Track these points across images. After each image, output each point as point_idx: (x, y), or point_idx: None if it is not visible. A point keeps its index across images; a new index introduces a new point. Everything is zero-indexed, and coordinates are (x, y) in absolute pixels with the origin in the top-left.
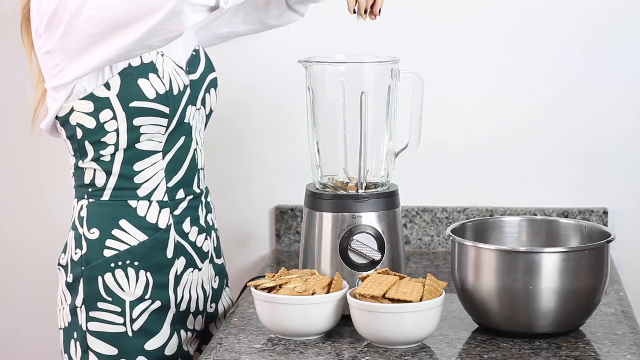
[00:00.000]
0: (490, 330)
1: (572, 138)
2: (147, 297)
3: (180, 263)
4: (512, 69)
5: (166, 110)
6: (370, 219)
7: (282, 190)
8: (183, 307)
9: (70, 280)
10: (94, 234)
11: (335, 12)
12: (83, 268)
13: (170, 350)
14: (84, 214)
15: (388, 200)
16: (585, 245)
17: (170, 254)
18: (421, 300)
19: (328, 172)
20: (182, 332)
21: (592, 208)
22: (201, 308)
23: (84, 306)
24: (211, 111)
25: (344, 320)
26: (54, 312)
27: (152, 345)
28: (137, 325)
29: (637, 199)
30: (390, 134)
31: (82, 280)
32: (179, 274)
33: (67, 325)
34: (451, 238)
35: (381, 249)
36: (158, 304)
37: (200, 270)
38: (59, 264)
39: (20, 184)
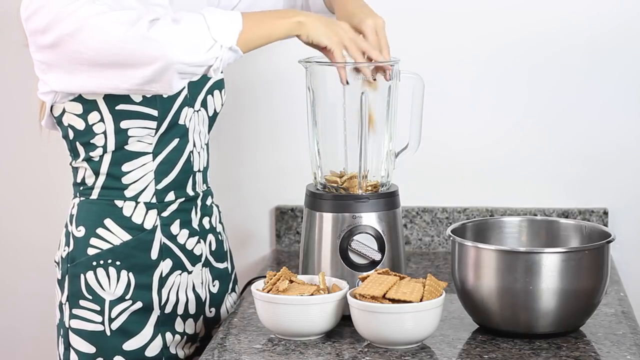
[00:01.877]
0: (490, 331)
1: (573, 138)
2: (128, 297)
3: (166, 265)
4: (512, 70)
5: (154, 112)
6: (370, 219)
7: (282, 191)
8: (169, 309)
9: (59, 277)
10: (80, 232)
11: None
12: (68, 265)
13: (151, 352)
14: (74, 211)
15: (388, 200)
16: (585, 246)
17: (154, 255)
18: (421, 301)
19: (328, 173)
20: (168, 334)
21: (592, 208)
22: (193, 311)
23: (67, 303)
24: (215, 113)
25: (344, 321)
26: (53, 310)
27: (131, 345)
28: (116, 325)
29: (637, 199)
30: (390, 134)
31: (67, 277)
32: (164, 275)
33: (57, 322)
34: (451, 238)
35: (381, 249)
36: (139, 304)
37: (190, 273)
38: (55, 261)
39: (24, 181)
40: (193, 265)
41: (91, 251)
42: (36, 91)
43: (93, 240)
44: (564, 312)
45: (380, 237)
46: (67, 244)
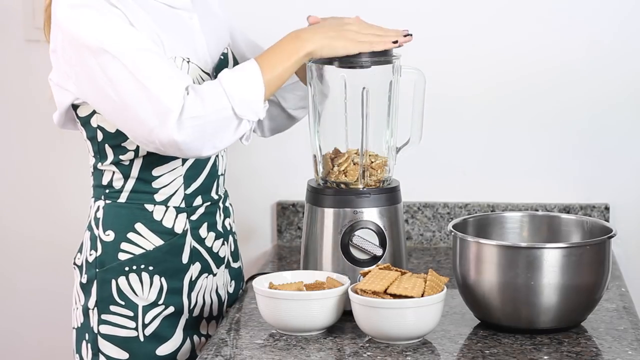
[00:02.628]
0: (492, 326)
1: (574, 133)
2: (161, 302)
3: (195, 268)
4: (513, 64)
5: None
6: (371, 214)
7: (283, 186)
8: (196, 312)
9: (84, 280)
10: (109, 236)
11: (338, 8)
12: (97, 270)
13: (182, 356)
14: (99, 214)
15: (389, 195)
16: (587, 241)
17: (185, 259)
18: (422, 296)
19: (329, 167)
20: (195, 337)
21: (594, 203)
22: (215, 313)
23: (96, 308)
24: None
25: (345, 316)
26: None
27: (163, 350)
28: (149, 330)
29: (639, 194)
30: (391, 129)
31: (95, 282)
32: (193, 279)
33: (79, 326)
34: (452, 233)
35: (382, 244)
36: (171, 309)
37: (214, 275)
38: (74, 264)
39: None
40: (218, 267)
41: (122, 256)
42: (37, 90)
43: (124, 245)
44: (565, 308)
45: (382, 232)
46: (94, 247)
